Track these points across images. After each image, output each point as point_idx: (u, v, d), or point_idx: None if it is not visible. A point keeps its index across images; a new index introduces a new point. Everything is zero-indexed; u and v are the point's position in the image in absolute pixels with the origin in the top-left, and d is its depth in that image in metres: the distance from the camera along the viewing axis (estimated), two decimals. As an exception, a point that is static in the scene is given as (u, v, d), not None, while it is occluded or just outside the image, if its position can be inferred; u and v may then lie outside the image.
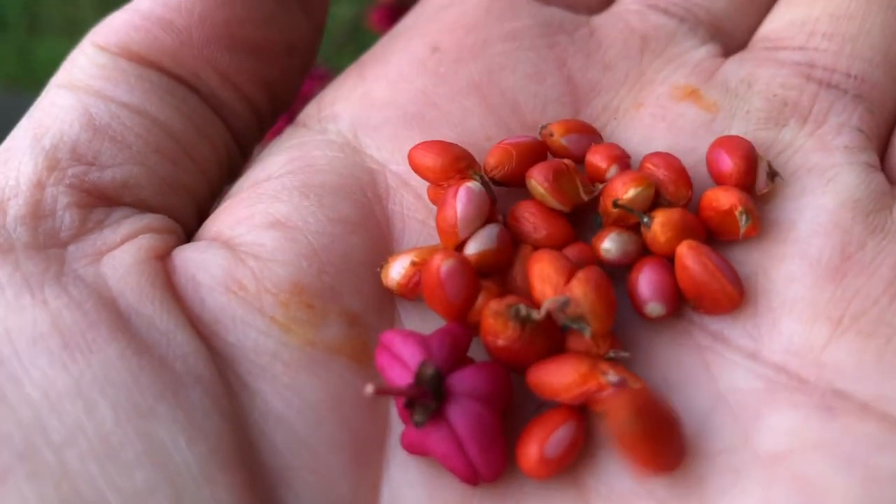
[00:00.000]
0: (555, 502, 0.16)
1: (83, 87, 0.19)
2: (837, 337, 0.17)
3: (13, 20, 2.13)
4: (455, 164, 0.19)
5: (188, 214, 0.20)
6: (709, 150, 0.20)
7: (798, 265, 0.18)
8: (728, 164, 0.19)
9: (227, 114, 0.21)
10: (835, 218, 0.19)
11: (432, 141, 0.20)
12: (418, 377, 0.16)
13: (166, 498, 0.14)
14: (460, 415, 0.16)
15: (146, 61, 0.20)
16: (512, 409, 0.18)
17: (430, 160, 0.19)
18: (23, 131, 0.19)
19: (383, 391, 0.16)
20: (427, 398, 0.16)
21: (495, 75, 0.21)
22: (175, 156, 0.19)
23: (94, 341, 0.15)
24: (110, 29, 0.20)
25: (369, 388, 0.15)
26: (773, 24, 0.24)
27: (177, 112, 0.19)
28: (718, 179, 0.20)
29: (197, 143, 0.20)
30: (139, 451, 0.14)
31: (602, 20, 0.24)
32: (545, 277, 0.18)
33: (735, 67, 0.22)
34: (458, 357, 0.17)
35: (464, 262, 0.18)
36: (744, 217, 0.18)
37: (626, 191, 0.19)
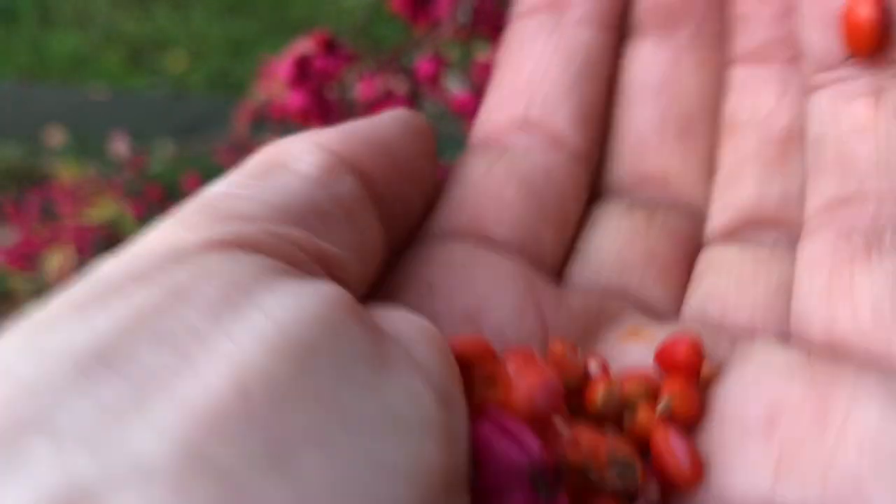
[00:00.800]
0: None
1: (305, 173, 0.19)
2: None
3: (25, 13, 2.13)
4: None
5: None
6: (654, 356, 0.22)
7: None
8: (678, 353, 0.21)
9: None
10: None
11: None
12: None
13: None
14: None
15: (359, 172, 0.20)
16: None
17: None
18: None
19: None
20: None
21: (483, 311, 0.24)
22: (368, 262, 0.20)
23: None
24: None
25: None
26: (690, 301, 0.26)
27: (369, 219, 0.20)
28: (671, 369, 0.21)
29: (375, 259, 0.21)
30: None
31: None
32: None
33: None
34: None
35: None
36: (664, 404, 0.20)
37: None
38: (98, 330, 0.10)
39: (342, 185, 0.19)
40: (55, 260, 0.89)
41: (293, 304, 0.12)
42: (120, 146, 1.19)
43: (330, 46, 0.39)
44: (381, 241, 0.21)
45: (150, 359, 0.10)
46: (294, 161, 0.19)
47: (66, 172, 1.02)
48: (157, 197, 0.99)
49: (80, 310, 0.10)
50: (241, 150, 0.97)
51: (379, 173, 0.20)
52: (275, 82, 0.71)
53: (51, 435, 0.09)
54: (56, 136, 1.46)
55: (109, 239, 1.01)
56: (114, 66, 1.95)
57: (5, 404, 0.09)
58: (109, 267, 0.13)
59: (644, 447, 0.20)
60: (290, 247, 0.16)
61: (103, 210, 0.91)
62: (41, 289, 0.99)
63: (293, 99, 0.37)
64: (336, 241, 0.18)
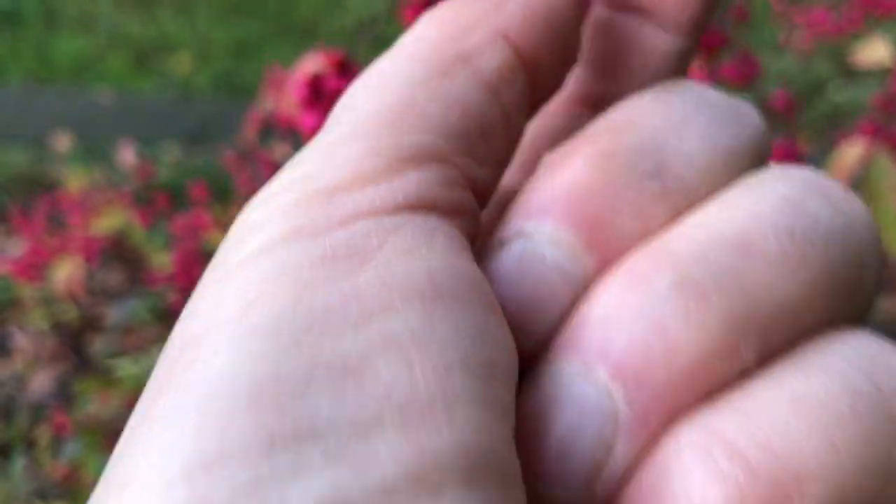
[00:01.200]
0: None
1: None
2: None
3: (30, 16, 2.13)
4: None
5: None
6: None
7: None
8: None
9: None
10: None
11: None
12: None
13: None
14: None
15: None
16: None
17: None
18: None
19: None
20: None
21: None
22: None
23: None
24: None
25: None
26: None
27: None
28: None
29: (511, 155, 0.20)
30: None
31: None
32: None
33: None
34: None
35: None
36: None
37: None
38: (339, 339, 0.12)
39: (513, 89, 0.19)
40: (63, 270, 0.88)
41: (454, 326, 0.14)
42: (127, 155, 1.19)
43: (343, 66, 0.38)
44: (521, 133, 0.20)
45: (384, 370, 0.12)
46: (476, 57, 0.19)
47: (74, 180, 1.01)
48: (165, 205, 0.99)
49: (311, 294, 0.13)
50: (247, 157, 0.96)
51: (546, 61, 0.20)
52: (282, 92, 0.70)
53: (323, 447, 0.11)
54: (62, 141, 1.46)
55: (117, 248, 1.00)
56: (119, 68, 1.94)
57: (277, 408, 0.11)
58: (317, 204, 0.14)
59: None
60: (457, 194, 0.17)
61: (111, 219, 0.91)
62: (48, 298, 0.99)
63: (307, 120, 0.36)
64: (489, 156, 0.18)
